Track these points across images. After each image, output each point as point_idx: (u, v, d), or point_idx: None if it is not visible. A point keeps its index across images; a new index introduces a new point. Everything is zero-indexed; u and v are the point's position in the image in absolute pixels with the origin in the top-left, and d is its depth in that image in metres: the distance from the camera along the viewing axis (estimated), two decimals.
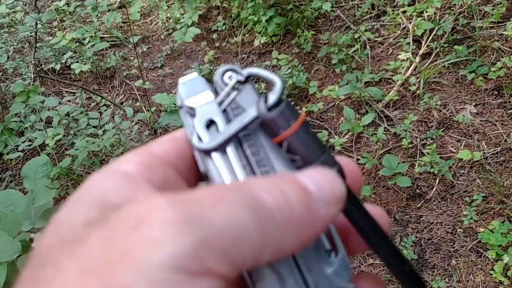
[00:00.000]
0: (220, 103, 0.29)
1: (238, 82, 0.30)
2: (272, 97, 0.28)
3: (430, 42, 2.48)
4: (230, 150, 0.28)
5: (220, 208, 0.21)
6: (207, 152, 0.28)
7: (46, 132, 2.39)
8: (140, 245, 0.20)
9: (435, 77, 2.37)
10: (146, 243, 0.20)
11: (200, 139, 0.28)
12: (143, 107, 2.72)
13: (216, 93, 0.30)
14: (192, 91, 0.29)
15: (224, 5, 3.13)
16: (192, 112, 0.29)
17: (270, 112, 0.27)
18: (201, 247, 0.20)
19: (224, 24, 3.04)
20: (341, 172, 0.27)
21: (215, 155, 0.27)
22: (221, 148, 0.27)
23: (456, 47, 2.40)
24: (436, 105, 2.23)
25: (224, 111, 0.29)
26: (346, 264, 0.27)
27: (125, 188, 0.24)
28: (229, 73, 0.30)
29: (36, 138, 2.34)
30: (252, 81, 0.30)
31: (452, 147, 2.10)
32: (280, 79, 0.28)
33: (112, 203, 0.23)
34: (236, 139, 0.28)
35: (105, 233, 0.21)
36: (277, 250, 0.22)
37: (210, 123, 0.28)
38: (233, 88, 0.30)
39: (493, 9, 2.48)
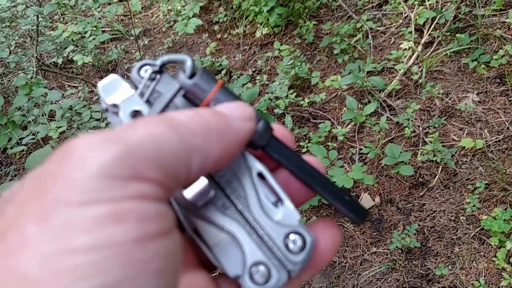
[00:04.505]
0: (142, 95, 0.31)
1: (154, 72, 0.32)
2: (187, 71, 0.30)
3: (432, 31, 2.48)
4: None
5: (136, 128, 0.23)
6: None
7: (49, 125, 2.40)
8: (69, 166, 0.21)
9: (437, 66, 2.36)
10: (74, 163, 0.21)
11: None
12: None
13: (137, 88, 0.31)
14: (112, 91, 0.31)
15: None
16: (116, 110, 0.30)
17: (191, 79, 0.30)
18: (127, 155, 0.21)
19: (226, 15, 3.03)
20: (267, 125, 0.30)
21: None
22: None
23: (458, 35, 2.40)
24: (439, 93, 2.23)
25: (148, 102, 0.31)
26: (292, 210, 0.29)
27: None
28: (145, 68, 0.32)
29: (39, 132, 2.35)
30: (168, 70, 0.32)
31: (454, 135, 2.10)
32: (189, 57, 0.30)
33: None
34: None
35: (37, 175, 0.22)
36: (204, 157, 0.24)
37: (136, 114, 0.30)
38: (152, 79, 0.31)
39: None
